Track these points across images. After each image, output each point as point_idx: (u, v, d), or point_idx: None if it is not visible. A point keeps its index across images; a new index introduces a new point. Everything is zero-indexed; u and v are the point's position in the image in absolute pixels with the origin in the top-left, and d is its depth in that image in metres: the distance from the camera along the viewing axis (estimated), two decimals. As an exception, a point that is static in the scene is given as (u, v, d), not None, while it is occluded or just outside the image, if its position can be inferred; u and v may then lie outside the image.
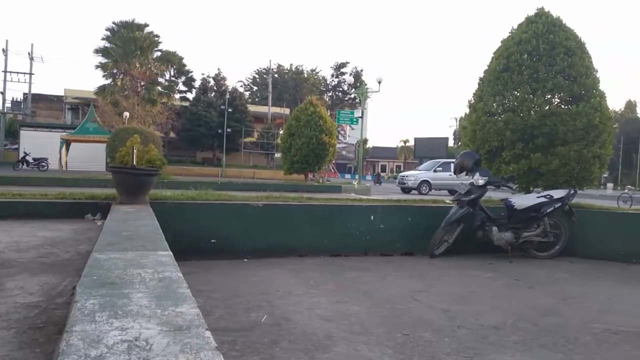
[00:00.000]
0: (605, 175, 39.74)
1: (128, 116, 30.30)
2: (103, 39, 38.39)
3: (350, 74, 60.54)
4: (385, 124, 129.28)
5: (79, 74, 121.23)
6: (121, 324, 1.52)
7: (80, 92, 42.51)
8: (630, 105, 67.52)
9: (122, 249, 2.83)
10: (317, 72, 63.37)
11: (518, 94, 7.96)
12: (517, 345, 3.44)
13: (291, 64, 62.37)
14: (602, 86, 8.00)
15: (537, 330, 3.80)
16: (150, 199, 5.90)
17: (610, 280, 5.93)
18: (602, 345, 3.51)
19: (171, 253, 2.73)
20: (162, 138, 29.05)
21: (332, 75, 64.23)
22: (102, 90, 36.68)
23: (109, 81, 38.38)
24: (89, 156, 29.56)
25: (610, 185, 44.09)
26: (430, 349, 3.29)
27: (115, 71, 38.42)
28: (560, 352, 3.33)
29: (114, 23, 38.74)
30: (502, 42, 8.50)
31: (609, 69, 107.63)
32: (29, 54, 43.95)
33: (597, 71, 8.02)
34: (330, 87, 64.83)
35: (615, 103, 71.77)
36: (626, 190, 22.35)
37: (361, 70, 62.66)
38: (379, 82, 24.04)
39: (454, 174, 8.10)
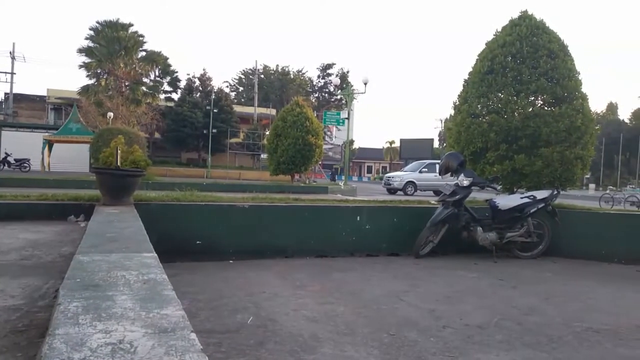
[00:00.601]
0: (588, 176, 40.35)
1: (112, 116, 29.97)
2: (87, 38, 37.95)
3: (337, 75, 60.68)
4: (371, 125, 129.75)
5: (62, 73, 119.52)
6: (105, 326, 1.50)
7: (63, 92, 41.95)
8: (612, 107, 68.74)
9: (106, 250, 2.80)
10: (304, 73, 63.39)
11: (502, 96, 8.05)
12: (502, 344, 3.48)
13: (277, 65, 62.29)
14: (584, 88, 8.14)
15: (520, 329, 3.84)
16: (135, 200, 5.85)
17: (592, 279, 6.02)
18: (583, 344, 3.56)
19: (156, 255, 2.71)
20: (147, 139, 28.81)
21: (319, 76, 64.28)
22: (85, 90, 36.25)
23: (92, 81, 37.94)
24: (72, 157, 29.21)
25: (592, 186, 44.76)
26: (415, 349, 3.30)
27: (99, 71, 38.00)
28: (543, 351, 3.37)
29: (97, 22, 38.31)
30: (486, 44, 8.58)
31: (591, 72, 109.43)
32: (10, 53, 43.30)
33: (579, 73, 8.14)
34: (316, 88, 64.87)
35: (597, 105, 72.91)
36: (608, 191, 22.71)
37: (347, 72, 62.87)
38: (365, 84, 24.12)
39: (439, 175, 8.16)
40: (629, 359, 3.29)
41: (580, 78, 8.13)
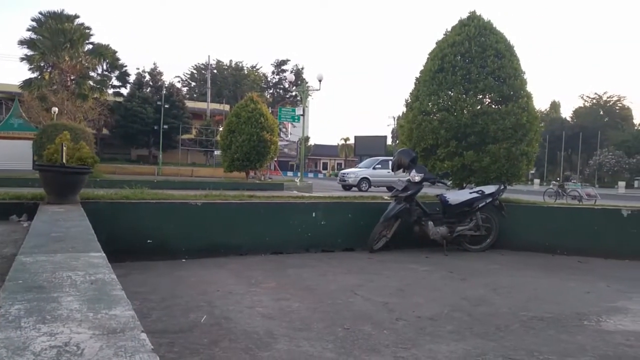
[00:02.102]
0: (533, 171, 42.09)
1: (57, 112, 28.77)
2: (29, 29, 36.26)
3: (291, 72, 60.54)
4: (326, 122, 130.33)
5: (1, 66, 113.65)
6: (50, 329, 1.44)
7: (3, 86, 39.87)
8: (555, 106, 71.90)
9: (50, 251, 2.69)
10: (258, 69, 62.90)
11: (452, 94, 8.26)
12: (452, 334, 3.58)
13: (231, 60, 61.56)
14: (529, 87, 8.47)
15: (470, 319, 3.97)
16: (82, 199, 5.64)
17: (536, 270, 6.29)
18: (529, 332, 3.72)
19: (104, 254, 2.63)
20: (94, 135, 27.78)
21: (273, 73, 63.96)
22: (28, 84, 34.60)
23: (35, 75, 36.26)
24: (14, 154, 27.81)
25: (537, 181, 46.68)
26: (370, 342, 3.35)
27: (42, 64, 36.37)
28: (491, 339, 3.50)
29: (41, 13, 36.67)
30: (436, 43, 8.78)
31: (536, 71, 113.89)
32: (-57, 43, 40.70)
33: (524, 73, 8.47)
34: (271, 84, 64.52)
35: (541, 103, 76.18)
36: (551, 186, 23.75)
37: (302, 68, 62.84)
38: (320, 81, 24.19)
39: (392, 171, 8.30)
40: (571, 344, 3.46)
41: (525, 77, 8.45)
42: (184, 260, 5.94)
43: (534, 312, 4.23)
